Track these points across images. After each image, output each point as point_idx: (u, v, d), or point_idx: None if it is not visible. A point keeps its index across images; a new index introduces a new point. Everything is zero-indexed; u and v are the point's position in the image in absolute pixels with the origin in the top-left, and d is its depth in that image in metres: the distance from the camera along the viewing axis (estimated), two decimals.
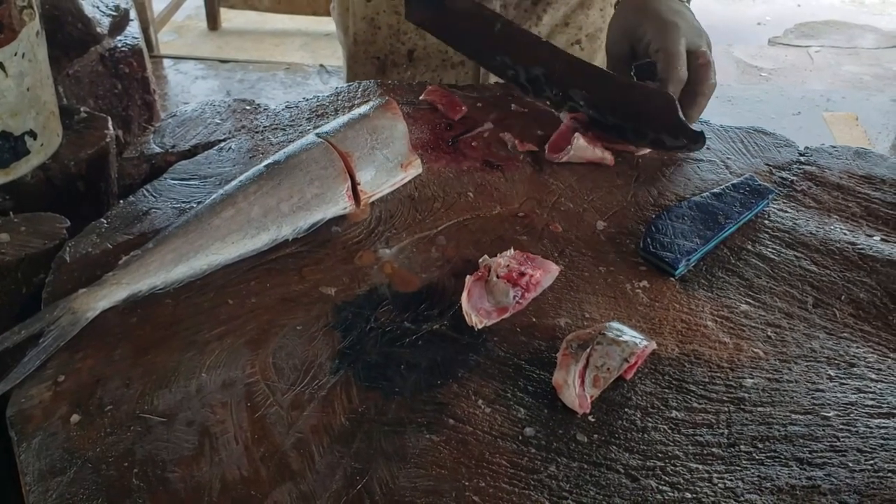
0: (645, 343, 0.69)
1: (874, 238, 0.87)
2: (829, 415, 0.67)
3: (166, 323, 0.74)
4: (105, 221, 0.86)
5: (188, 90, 3.44)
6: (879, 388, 0.70)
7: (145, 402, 0.66)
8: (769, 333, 0.75)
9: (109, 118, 1.13)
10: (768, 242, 0.86)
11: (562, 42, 1.22)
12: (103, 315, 0.74)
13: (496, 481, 0.61)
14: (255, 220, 0.79)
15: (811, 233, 0.87)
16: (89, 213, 0.88)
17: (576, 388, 0.66)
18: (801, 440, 0.65)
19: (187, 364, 0.69)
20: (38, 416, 0.65)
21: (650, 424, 0.66)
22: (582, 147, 0.96)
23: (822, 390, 0.70)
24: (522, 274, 0.76)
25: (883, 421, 0.67)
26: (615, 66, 1.02)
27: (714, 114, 1.01)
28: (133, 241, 0.82)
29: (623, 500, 0.60)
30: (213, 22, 3.98)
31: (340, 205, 0.84)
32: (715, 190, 0.91)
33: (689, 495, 0.61)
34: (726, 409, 0.68)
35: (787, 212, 0.91)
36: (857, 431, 0.66)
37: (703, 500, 0.60)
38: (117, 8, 1.43)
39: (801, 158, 1.00)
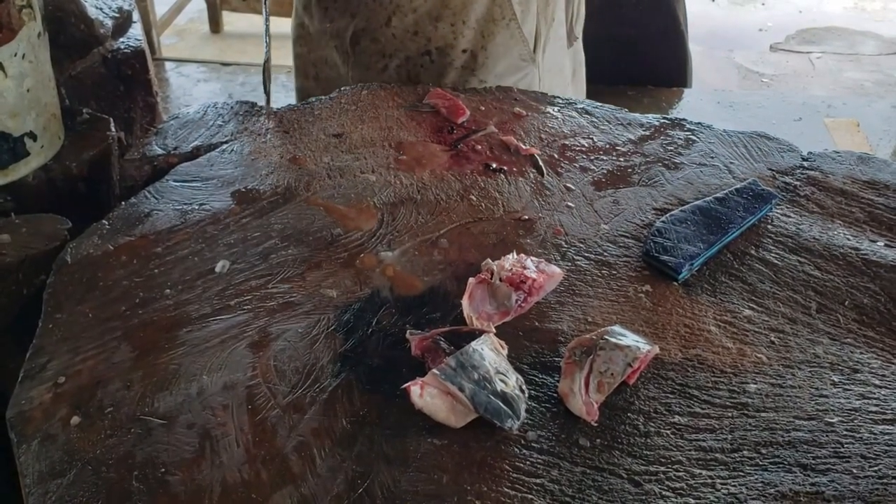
0: (648, 347, 0.69)
1: (878, 243, 0.87)
2: (833, 421, 0.67)
3: (167, 325, 0.73)
4: (106, 223, 0.85)
5: (190, 93, 3.43)
6: (883, 394, 0.70)
7: (146, 405, 0.66)
8: (772, 338, 0.75)
9: (111, 120, 1.13)
10: (772, 247, 0.86)
11: (413, 50, 1.21)
12: (103, 316, 0.73)
13: (498, 486, 0.61)
14: None
15: (814, 238, 0.87)
16: (91, 215, 0.88)
17: (582, 396, 0.65)
18: (804, 446, 0.65)
19: (188, 366, 0.69)
20: (39, 418, 0.64)
21: (653, 429, 0.66)
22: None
23: (826, 396, 0.69)
24: (526, 277, 0.75)
25: (887, 427, 0.67)
26: None
27: (715, 119, 1.01)
28: (134, 242, 0.82)
29: None
30: (214, 25, 3.98)
31: None
32: (718, 194, 0.91)
33: (692, 501, 0.60)
34: (729, 414, 0.67)
35: (790, 217, 0.91)
36: (860, 437, 0.66)
37: None
38: (120, 10, 1.43)
39: (805, 163, 1.00)
